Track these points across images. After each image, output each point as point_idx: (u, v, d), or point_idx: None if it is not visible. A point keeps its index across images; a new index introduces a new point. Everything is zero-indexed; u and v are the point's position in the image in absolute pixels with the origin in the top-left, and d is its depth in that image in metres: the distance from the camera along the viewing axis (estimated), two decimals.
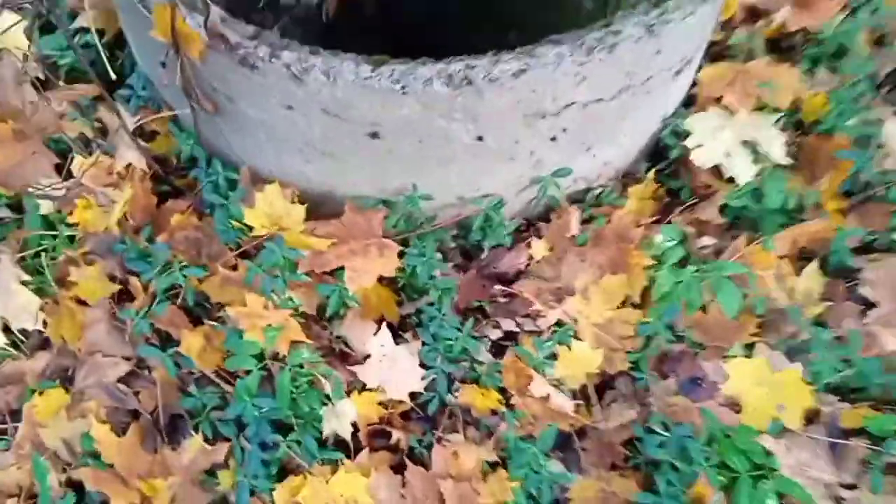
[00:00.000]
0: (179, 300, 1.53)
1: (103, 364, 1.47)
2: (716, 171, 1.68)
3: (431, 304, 1.52)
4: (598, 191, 1.69)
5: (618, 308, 1.55)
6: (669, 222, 1.65)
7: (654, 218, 1.67)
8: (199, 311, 1.55)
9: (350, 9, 2.17)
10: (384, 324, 1.51)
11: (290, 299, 1.47)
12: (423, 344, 1.49)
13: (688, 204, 1.71)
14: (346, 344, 1.52)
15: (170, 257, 1.52)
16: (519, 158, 1.52)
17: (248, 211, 1.51)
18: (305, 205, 1.52)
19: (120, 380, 1.47)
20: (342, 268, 1.48)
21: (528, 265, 1.63)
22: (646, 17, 1.37)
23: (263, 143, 1.52)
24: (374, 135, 1.41)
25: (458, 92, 1.31)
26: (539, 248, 1.62)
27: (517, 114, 1.40)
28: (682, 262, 1.56)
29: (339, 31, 2.26)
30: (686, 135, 1.69)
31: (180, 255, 1.56)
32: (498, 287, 1.59)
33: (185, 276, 1.49)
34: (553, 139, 1.50)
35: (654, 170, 1.74)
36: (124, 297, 1.56)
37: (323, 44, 1.40)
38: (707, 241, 1.60)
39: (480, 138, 1.43)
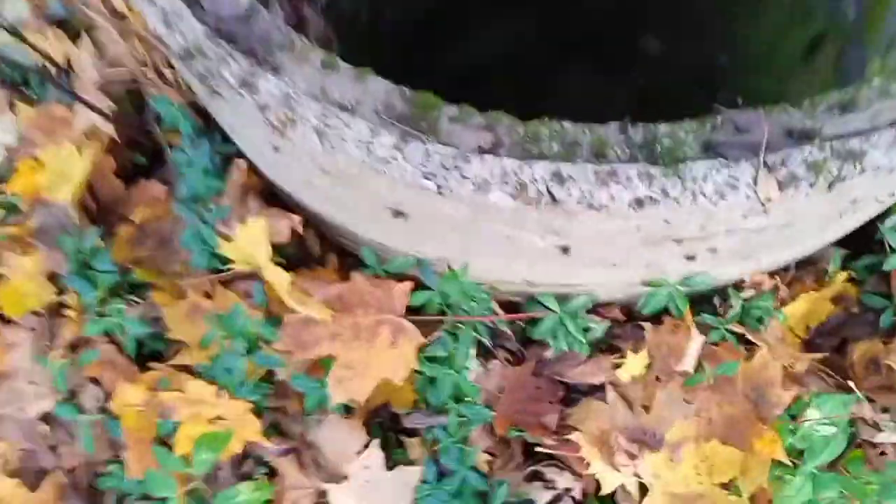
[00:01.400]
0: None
1: (24, 393, 1.18)
2: None
3: (445, 428, 1.10)
4: (746, 294, 1.14)
5: (714, 486, 1.09)
6: (845, 379, 1.11)
7: (820, 354, 1.12)
8: (152, 347, 1.20)
9: None
10: (376, 441, 1.11)
11: (258, 383, 1.10)
12: (423, 482, 1.10)
13: (884, 338, 1.14)
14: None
15: (117, 279, 1.15)
16: (629, 267, 0.99)
17: (225, 242, 1.09)
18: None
19: (43, 417, 1.18)
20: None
21: (610, 382, 1.15)
22: None
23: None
24: (399, 214, 0.92)
25: (534, 208, 0.79)
26: (631, 365, 1.13)
27: (633, 238, 0.86)
28: (836, 462, 1.04)
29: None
30: None
31: (139, 266, 1.18)
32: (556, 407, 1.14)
33: (123, 326, 1.13)
34: (690, 258, 0.96)
35: (846, 269, 1.16)
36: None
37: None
38: (891, 437, 1.06)
39: (566, 250, 0.91)
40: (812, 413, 1.03)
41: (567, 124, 0.84)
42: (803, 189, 0.75)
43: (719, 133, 0.81)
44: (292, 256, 1.19)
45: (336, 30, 1.78)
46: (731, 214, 0.79)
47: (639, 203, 0.75)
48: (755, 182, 0.75)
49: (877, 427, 1.06)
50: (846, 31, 1.54)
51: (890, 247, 1.12)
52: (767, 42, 1.85)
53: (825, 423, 1.03)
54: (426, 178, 0.78)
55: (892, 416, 1.08)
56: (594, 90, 2.66)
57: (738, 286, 1.13)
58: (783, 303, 1.15)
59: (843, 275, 1.15)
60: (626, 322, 1.18)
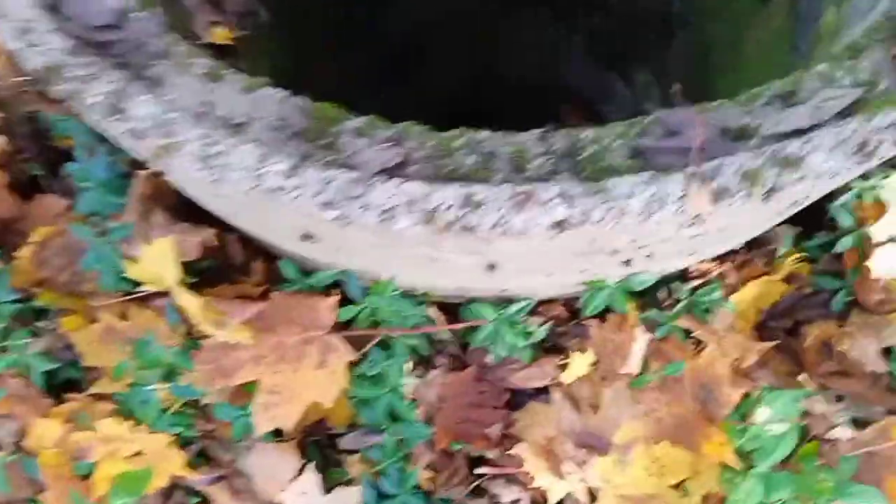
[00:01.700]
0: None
1: None
2: None
3: (382, 447, 1.04)
4: (693, 284, 1.09)
5: (667, 487, 1.05)
6: (798, 366, 1.06)
7: (772, 343, 1.07)
8: (67, 375, 1.12)
9: None
10: (312, 465, 1.05)
11: (179, 413, 1.03)
12: None
13: (837, 321, 1.10)
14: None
15: (20, 307, 1.06)
16: (564, 273, 0.93)
17: (130, 264, 1.01)
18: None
19: None
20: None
21: (556, 384, 1.10)
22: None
23: None
24: (307, 237, 0.84)
25: (447, 235, 0.71)
26: (576, 366, 1.07)
27: (562, 252, 0.80)
28: (788, 460, 1.00)
29: None
30: (873, 215, 1.03)
31: (44, 289, 1.10)
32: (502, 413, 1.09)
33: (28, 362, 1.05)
34: (627, 263, 0.89)
35: (798, 250, 1.11)
36: None
37: None
38: (844, 432, 1.02)
39: (492, 266, 0.84)
40: (762, 411, 0.99)
41: (483, 134, 0.76)
42: (738, 201, 0.68)
43: (648, 137, 0.74)
44: (210, 268, 1.11)
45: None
46: (662, 228, 0.72)
47: (560, 226, 0.68)
48: (685, 196, 0.68)
49: (829, 421, 1.02)
50: None
51: (835, 221, 1.07)
52: None
53: (778, 423, 0.99)
54: (325, 208, 0.70)
55: (845, 405, 1.04)
56: (547, 37, 2.56)
57: (685, 276, 1.07)
58: (733, 289, 1.10)
59: (794, 255, 1.10)
60: (571, 319, 1.12)
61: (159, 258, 0.99)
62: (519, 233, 0.69)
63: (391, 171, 0.72)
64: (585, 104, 2.72)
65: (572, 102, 2.75)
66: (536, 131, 0.75)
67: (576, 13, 2.34)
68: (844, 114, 0.71)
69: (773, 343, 1.07)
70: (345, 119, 0.76)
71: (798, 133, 0.71)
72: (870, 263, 1.02)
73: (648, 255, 0.86)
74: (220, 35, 1.45)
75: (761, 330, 1.14)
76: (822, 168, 0.67)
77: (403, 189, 0.69)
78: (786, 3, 1.50)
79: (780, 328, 1.13)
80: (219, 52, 1.47)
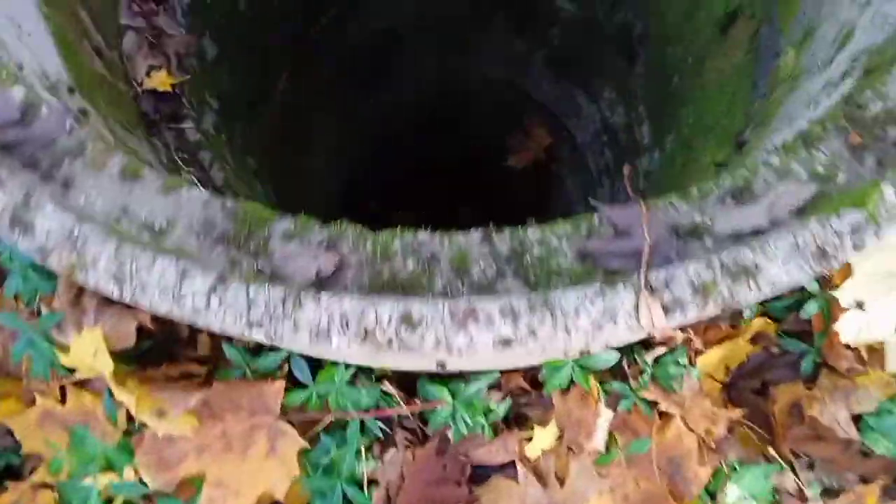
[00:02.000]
0: None
1: None
2: (874, 354, 1.02)
3: None
4: (657, 352, 1.05)
5: None
6: (768, 431, 1.03)
7: (740, 410, 1.04)
8: (8, 460, 1.07)
9: None
10: None
11: None
12: None
13: (806, 383, 1.07)
14: None
15: None
16: (521, 361, 0.89)
17: (62, 353, 0.95)
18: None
19: None
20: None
21: (520, 458, 1.06)
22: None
23: None
24: (248, 330, 0.79)
25: (386, 350, 0.67)
26: (540, 439, 1.04)
27: (515, 355, 0.76)
28: None
29: None
30: (838, 277, 1.00)
31: None
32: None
33: None
34: (584, 351, 0.86)
35: (763, 312, 1.08)
36: None
37: None
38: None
39: (443, 365, 0.80)
40: (732, 489, 0.96)
41: (423, 236, 0.71)
42: (692, 312, 0.64)
43: (596, 238, 0.70)
44: (152, 347, 1.06)
45: (208, 29, 1.61)
46: (614, 336, 0.68)
47: (505, 344, 0.64)
48: (636, 309, 0.64)
49: (801, 497, 0.99)
50: (760, 7, 1.44)
51: (806, 290, 1.04)
52: (682, 12, 1.75)
53: (746, 500, 0.96)
54: (252, 328, 0.66)
55: (816, 473, 1.02)
56: (512, 50, 2.54)
57: (648, 344, 1.04)
58: (698, 352, 1.06)
59: (760, 319, 1.07)
60: (533, 389, 1.08)
61: (91, 348, 0.94)
62: (462, 351, 0.65)
63: (324, 283, 0.68)
64: (551, 116, 2.69)
65: (538, 114, 2.73)
66: (479, 232, 0.71)
67: (534, 27, 2.32)
68: (801, 211, 0.67)
69: (742, 412, 1.04)
70: (274, 220, 0.72)
71: (754, 233, 0.67)
72: (837, 327, 1.00)
73: (607, 344, 0.82)
74: (161, 81, 1.40)
75: (730, 390, 1.11)
76: (779, 280, 0.63)
77: (336, 307, 0.65)
78: (745, 37, 1.48)
79: (748, 388, 1.10)
80: (160, 98, 1.42)
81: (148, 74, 1.40)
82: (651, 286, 0.65)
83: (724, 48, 1.59)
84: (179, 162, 1.38)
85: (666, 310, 0.64)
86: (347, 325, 0.65)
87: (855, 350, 1.02)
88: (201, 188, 1.18)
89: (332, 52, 2.27)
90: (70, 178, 0.72)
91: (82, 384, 1.04)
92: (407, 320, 0.65)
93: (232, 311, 0.65)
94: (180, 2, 1.49)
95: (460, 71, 2.76)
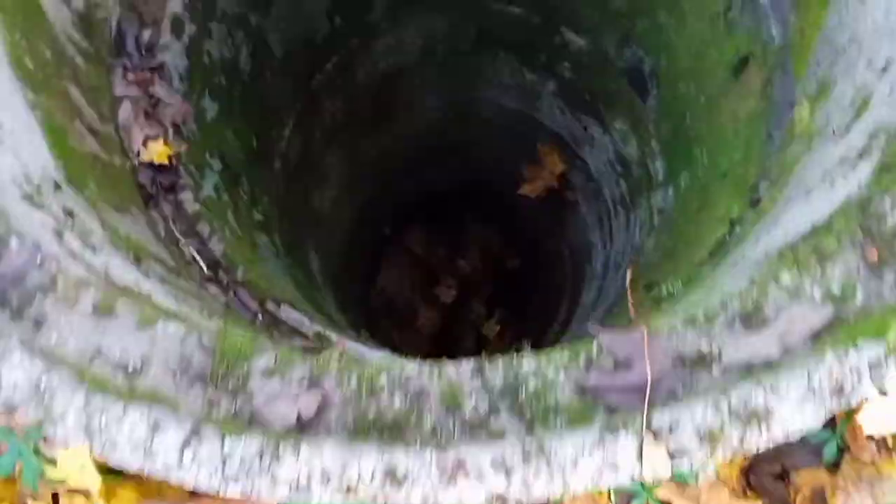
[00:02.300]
0: None
1: None
2: None
3: None
4: None
5: None
6: None
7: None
8: None
9: None
10: None
11: None
12: None
13: (828, 468, 1.01)
14: None
15: None
16: None
17: (50, 466, 0.92)
18: None
19: None
20: None
21: None
22: None
23: None
24: None
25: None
26: None
27: None
28: None
29: None
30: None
31: None
32: None
33: None
34: None
35: None
36: None
37: None
38: None
39: None
40: None
41: (411, 368, 0.67)
42: (699, 459, 0.60)
43: (595, 370, 0.65)
44: None
45: (208, 88, 1.59)
46: (615, 482, 0.64)
47: (498, 499, 0.60)
48: (639, 458, 0.59)
49: None
50: (773, 54, 1.39)
51: None
52: (693, 52, 1.71)
53: None
54: (228, 482, 0.62)
55: None
56: (522, 80, 2.51)
57: None
58: None
59: None
60: None
61: (78, 463, 0.91)
62: None
63: (306, 426, 0.64)
64: (564, 145, 2.65)
65: (550, 142, 2.69)
66: (471, 363, 0.67)
67: (542, 59, 2.29)
68: (816, 337, 0.62)
69: (762, 503, 0.99)
70: (253, 357, 0.68)
71: (765, 364, 0.62)
72: (860, 418, 0.94)
73: None
74: (158, 153, 1.37)
75: (749, 475, 1.05)
76: (792, 424, 0.58)
77: (317, 461, 0.61)
78: (759, 83, 1.43)
79: (768, 473, 1.05)
80: (157, 170, 1.39)
81: (144, 145, 1.37)
82: (654, 431, 0.60)
83: (737, 92, 1.54)
84: (177, 234, 1.35)
85: (671, 456, 0.60)
86: (329, 480, 0.61)
87: (879, 442, 0.96)
88: (201, 266, 1.14)
89: (339, 94, 2.25)
90: (41, 316, 0.69)
91: (75, 490, 1.01)
92: (392, 475, 0.60)
93: (206, 466, 0.62)
94: (176, 67, 1.47)
95: (470, 102, 2.74)
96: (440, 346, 3.71)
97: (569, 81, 2.34)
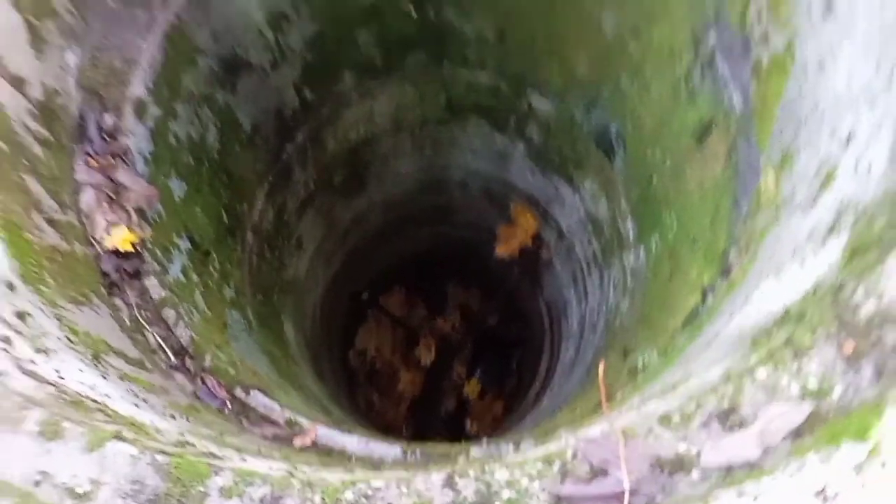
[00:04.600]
0: None
1: None
2: None
3: None
4: None
5: None
6: None
7: None
8: None
9: None
10: None
11: None
12: None
13: None
14: None
15: None
16: None
17: None
18: None
19: None
20: None
21: None
22: None
23: None
24: None
25: None
26: None
27: None
28: None
29: None
30: None
31: None
32: None
33: None
34: None
35: None
36: None
37: None
38: None
39: None
40: None
41: (378, 482, 0.63)
42: None
43: (571, 479, 0.62)
44: None
45: (174, 168, 1.56)
46: None
47: None
48: None
49: None
50: (735, 122, 1.39)
51: None
52: (657, 117, 1.71)
53: None
54: None
55: None
56: (492, 142, 2.52)
57: None
58: None
59: None
60: None
61: None
62: None
63: None
64: (536, 205, 2.66)
65: (523, 202, 2.69)
66: (441, 475, 0.63)
67: (512, 124, 2.31)
68: (797, 435, 0.60)
69: None
70: (210, 476, 0.64)
71: (746, 467, 0.59)
72: None
73: None
74: (122, 240, 1.34)
75: None
76: None
77: None
78: (723, 150, 1.43)
79: None
80: (121, 256, 1.35)
81: (108, 232, 1.34)
82: None
83: (701, 158, 1.55)
84: (143, 322, 1.31)
85: None
86: None
87: None
88: (168, 354, 1.10)
89: (311, 164, 2.24)
90: None
91: None
92: None
93: None
94: (141, 150, 1.44)
95: (443, 167, 2.74)
96: (422, 409, 3.65)
97: (538, 144, 2.35)
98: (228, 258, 1.84)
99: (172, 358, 1.26)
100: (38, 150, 1.22)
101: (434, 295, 3.85)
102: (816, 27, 0.99)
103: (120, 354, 1.09)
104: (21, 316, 0.90)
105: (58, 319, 0.99)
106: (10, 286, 0.94)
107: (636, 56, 1.58)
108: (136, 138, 1.42)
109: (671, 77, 1.58)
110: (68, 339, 0.95)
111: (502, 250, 2.91)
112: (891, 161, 0.80)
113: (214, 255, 1.74)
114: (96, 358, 0.96)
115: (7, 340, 0.77)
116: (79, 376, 0.83)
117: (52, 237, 1.17)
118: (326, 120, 2.17)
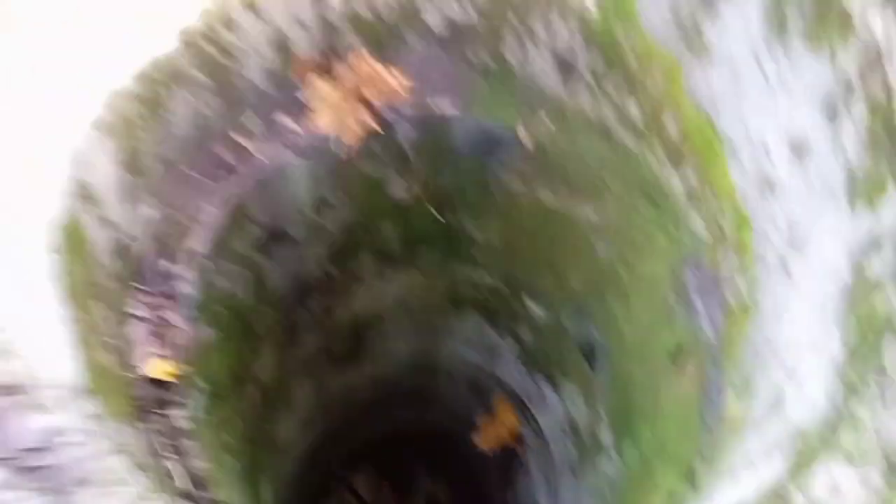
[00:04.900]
0: None
1: None
2: None
3: None
4: None
5: None
6: None
7: None
8: None
9: None
10: None
11: None
12: None
13: None
14: None
15: None
16: None
17: None
18: None
19: None
20: None
21: None
22: None
23: None
24: None
25: None
26: None
27: None
28: None
29: None
30: None
31: None
32: None
33: None
34: None
35: None
36: None
37: None
38: None
39: None
40: None
41: None
42: None
43: None
44: None
45: (209, 315, 1.72)
46: None
47: None
48: None
49: None
50: (705, 349, 1.57)
51: None
52: (638, 334, 1.89)
53: None
54: None
55: None
56: (484, 338, 2.67)
57: None
58: None
59: None
60: None
61: None
62: None
63: None
64: (519, 401, 2.77)
65: (506, 397, 2.80)
66: None
67: (505, 322, 2.46)
68: None
69: None
70: None
71: None
72: None
73: None
74: (164, 371, 1.47)
75: None
76: None
77: None
78: (693, 371, 1.61)
79: None
80: (154, 385, 1.49)
81: (148, 362, 1.48)
82: None
83: (675, 376, 1.71)
84: (158, 449, 1.42)
85: None
86: None
87: None
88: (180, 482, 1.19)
89: (317, 330, 2.38)
90: None
91: None
92: None
93: None
94: (187, 295, 1.62)
95: (436, 352, 2.87)
96: None
97: (528, 344, 2.51)
98: (232, 406, 1.95)
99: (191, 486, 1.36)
100: (103, 279, 1.40)
101: (404, 483, 3.83)
102: (773, 280, 1.22)
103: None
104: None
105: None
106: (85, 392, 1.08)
107: (624, 279, 1.80)
108: (185, 284, 1.60)
109: (653, 302, 1.79)
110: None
111: (480, 441, 2.96)
112: (826, 394, 0.99)
113: (223, 402, 1.86)
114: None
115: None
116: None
117: (103, 357, 1.33)
118: (340, 292, 2.35)
